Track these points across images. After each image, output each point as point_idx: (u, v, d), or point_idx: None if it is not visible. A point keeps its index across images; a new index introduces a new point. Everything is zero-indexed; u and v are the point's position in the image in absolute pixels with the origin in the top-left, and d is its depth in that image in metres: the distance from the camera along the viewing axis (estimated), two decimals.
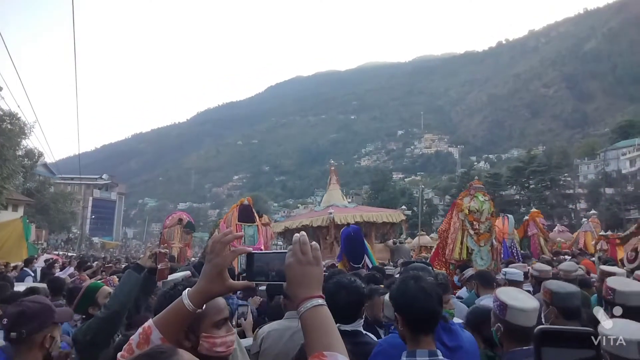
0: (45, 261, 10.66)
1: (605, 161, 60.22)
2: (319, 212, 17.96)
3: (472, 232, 7.01)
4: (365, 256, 7.70)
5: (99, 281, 3.93)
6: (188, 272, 4.40)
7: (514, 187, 61.38)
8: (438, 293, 2.12)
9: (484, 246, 6.97)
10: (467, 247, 7.09)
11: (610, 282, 2.80)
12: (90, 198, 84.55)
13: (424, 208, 77.81)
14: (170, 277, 3.15)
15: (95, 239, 72.23)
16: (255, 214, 8.54)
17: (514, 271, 5.00)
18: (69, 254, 22.55)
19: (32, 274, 9.06)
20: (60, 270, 9.40)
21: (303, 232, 1.28)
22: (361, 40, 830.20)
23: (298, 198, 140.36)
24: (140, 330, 1.28)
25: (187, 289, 1.31)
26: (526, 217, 13.90)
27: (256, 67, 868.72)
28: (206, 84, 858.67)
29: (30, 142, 29.65)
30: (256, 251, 1.33)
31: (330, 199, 18.30)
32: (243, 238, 7.73)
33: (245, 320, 4.04)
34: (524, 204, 58.83)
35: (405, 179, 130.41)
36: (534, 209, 14.72)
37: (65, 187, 61.78)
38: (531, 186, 57.76)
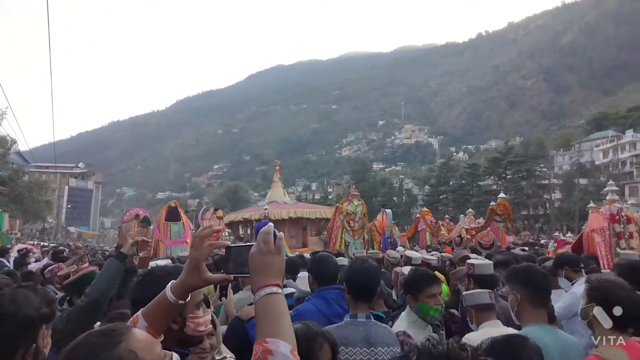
0: (19, 251, 10.44)
1: (580, 152, 61.68)
2: (261, 207, 19.21)
3: (348, 228, 9.36)
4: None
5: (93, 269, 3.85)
6: (169, 261, 4.40)
7: (492, 177, 62.52)
8: (376, 272, 2.85)
9: (357, 239, 9.36)
10: (344, 240, 9.45)
11: (471, 261, 3.86)
12: (66, 187, 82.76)
13: (404, 198, 78.89)
14: (151, 264, 3.15)
15: (72, 229, 70.94)
16: (182, 213, 10.06)
17: (395, 254, 6.38)
18: (42, 244, 22.05)
19: (9, 265, 8.88)
20: (37, 262, 9.22)
21: (270, 223, 1.31)
22: (343, 29, 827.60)
23: None
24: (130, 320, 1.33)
25: (172, 281, 1.35)
26: (470, 212, 16.33)
27: (237, 55, 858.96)
28: (186, 71, 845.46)
29: (2, 129, 28.85)
30: (234, 244, 1.35)
31: (273, 195, 19.41)
32: (169, 233, 9.15)
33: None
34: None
35: (385, 169, 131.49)
36: (424, 209, 16.75)
37: (40, 176, 60.31)
38: (508, 176, 58.90)
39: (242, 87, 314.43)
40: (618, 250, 6.38)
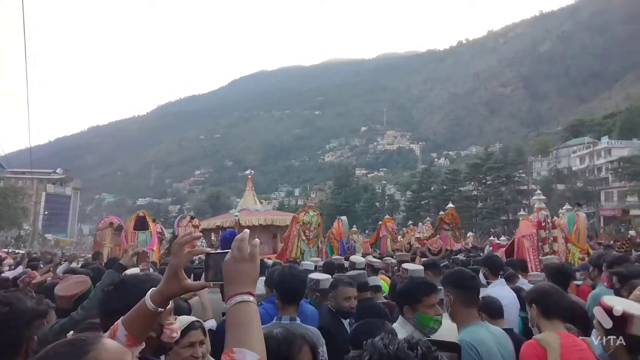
0: None
1: (557, 158, 62.89)
2: (238, 213, 19.65)
3: (304, 238, 9.93)
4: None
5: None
6: (137, 269, 4.31)
7: (472, 183, 63.29)
8: (303, 278, 3.12)
9: (312, 247, 9.96)
10: (300, 249, 10.03)
11: (404, 265, 4.34)
12: (43, 193, 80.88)
13: (386, 203, 79.32)
14: (128, 273, 3.08)
15: (49, 236, 69.30)
16: (150, 222, 10.41)
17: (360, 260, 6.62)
18: (17, 252, 21.47)
19: None
20: (10, 269, 8.97)
21: (246, 230, 1.29)
22: (326, 36, 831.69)
23: (262, 193, 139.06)
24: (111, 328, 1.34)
25: (152, 288, 1.34)
26: (427, 220, 17.15)
27: (219, 61, 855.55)
28: (168, 76, 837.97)
29: None
30: (214, 252, 1.34)
31: (245, 203, 20.04)
32: (136, 242, 9.45)
33: None
34: (481, 200, 60.85)
35: (368, 175, 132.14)
36: (387, 216, 17.26)
37: (16, 182, 58.94)
38: (488, 182, 59.74)
39: (225, 93, 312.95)
40: (548, 256, 6.88)
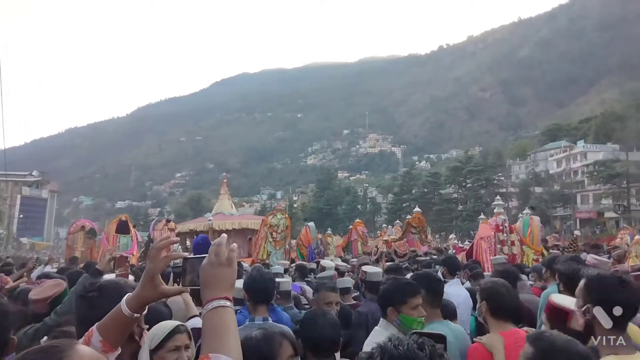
0: None
1: (535, 162, 64.09)
2: (211, 217, 19.74)
3: (271, 239, 10.25)
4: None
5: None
6: (113, 275, 4.23)
7: (453, 185, 64.05)
8: (273, 279, 3.24)
9: (279, 249, 10.24)
10: (267, 250, 10.28)
11: (364, 268, 4.47)
12: (19, 196, 78.90)
13: (368, 206, 79.70)
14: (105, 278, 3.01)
15: (24, 240, 67.59)
16: (132, 227, 10.62)
17: (329, 264, 6.74)
18: None
19: None
20: None
21: (224, 235, 1.28)
22: (308, 39, 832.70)
23: (243, 196, 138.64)
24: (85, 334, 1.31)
25: (128, 294, 1.33)
26: (397, 224, 17.69)
27: (201, 63, 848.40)
28: (148, 78, 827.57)
29: None
30: (192, 256, 1.33)
31: (219, 207, 20.08)
32: (118, 245, 9.60)
33: None
34: (461, 202, 61.60)
35: (350, 178, 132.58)
36: (357, 220, 17.41)
37: None
38: (468, 185, 60.51)
39: (207, 95, 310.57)
40: (496, 256, 7.34)
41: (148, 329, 1.95)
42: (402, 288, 2.70)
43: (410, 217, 14.96)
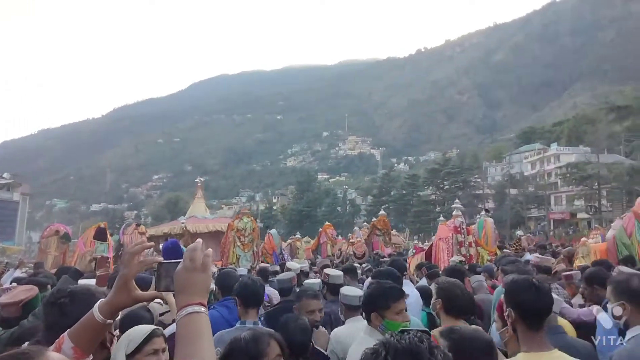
0: None
1: (510, 164, 65.18)
2: (184, 220, 19.76)
3: (239, 243, 10.54)
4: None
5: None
6: (93, 281, 4.16)
7: (430, 187, 64.80)
8: (263, 285, 3.33)
9: (247, 252, 10.56)
10: (235, 254, 10.61)
11: (326, 270, 4.72)
12: None
13: (347, 208, 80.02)
14: (80, 282, 2.97)
15: None
16: (109, 236, 10.78)
17: (295, 265, 6.83)
18: None
19: None
20: None
21: (199, 240, 1.27)
22: (287, 41, 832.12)
23: (222, 199, 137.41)
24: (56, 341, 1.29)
25: (100, 300, 1.31)
26: (364, 226, 18.02)
27: (179, 64, 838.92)
28: (124, 78, 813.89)
29: None
30: (166, 261, 1.32)
31: (194, 210, 20.17)
32: (95, 252, 9.52)
33: None
34: (439, 204, 62.35)
35: (329, 180, 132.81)
36: (327, 223, 17.84)
37: None
38: (445, 187, 61.31)
39: (184, 96, 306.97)
40: (452, 258, 7.72)
41: (119, 336, 1.98)
42: (385, 293, 2.63)
43: (375, 219, 15.45)
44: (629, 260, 6.48)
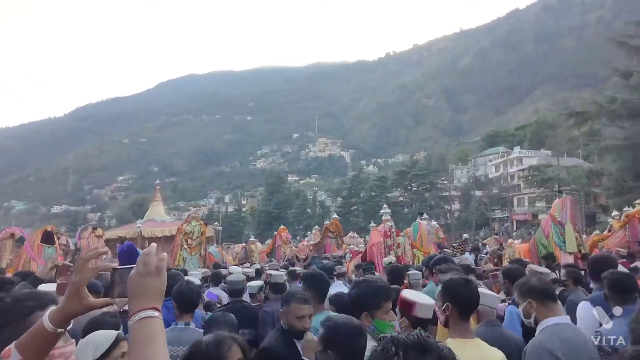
0: None
1: (475, 166, 66.79)
2: (140, 224, 19.54)
3: (186, 246, 10.85)
4: None
5: None
6: (54, 285, 4.04)
7: (399, 189, 65.75)
8: (198, 290, 3.70)
9: (194, 255, 10.89)
10: (182, 257, 10.97)
11: (268, 271, 5.21)
12: None
13: (317, 209, 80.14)
14: (40, 288, 2.86)
15: None
16: (56, 239, 10.70)
17: (237, 270, 7.14)
18: None
19: None
20: None
21: (154, 244, 1.26)
22: (257, 42, 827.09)
23: (190, 200, 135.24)
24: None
25: (51, 308, 1.26)
26: (317, 229, 18.41)
27: (146, 63, 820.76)
28: (88, 77, 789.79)
29: None
30: (120, 267, 1.28)
31: (151, 214, 19.98)
32: (43, 254, 9.64)
33: None
34: (407, 205, 63.33)
35: (300, 182, 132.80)
36: (281, 226, 17.92)
37: None
38: (413, 189, 62.35)
39: (152, 95, 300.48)
40: (385, 259, 8.37)
41: None
42: (377, 292, 2.59)
43: (328, 222, 15.97)
44: (549, 258, 7.17)
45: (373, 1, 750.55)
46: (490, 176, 66.16)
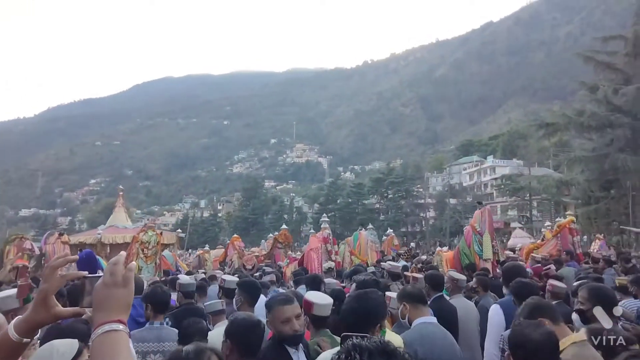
0: None
1: (450, 175, 68.01)
2: (101, 231, 19.31)
3: (142, 255, 10.93)
4: (100, 271, 10.23)
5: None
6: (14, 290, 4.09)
7: (375, 196, 66.34)
8: (169, 292, 4.14)
9: (150, 264, 10.95)
10: (138, 266, 10.69)
11: (222, 276, 5.43)
12: None
13: (294, 216, 80.00)
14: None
15: None
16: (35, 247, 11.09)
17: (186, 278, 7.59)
18: None
19: None
20: None
21: (122, 252, 1.22)
22: (236, 46, 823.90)
23: (164, 205, 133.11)
24: None
25: (17, 317, 1.23)
26: (270, 238, 18.44)
27: (121, 64, 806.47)
28: (60, 77, 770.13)
29: None
30: (91, 275, 1.24)
31: (114, 220, 19.71)
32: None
33: None
34: (383, 212, 63.96)
35: (277, 187, 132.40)
36: (235, 235, 17.86)
37: None
38: (389, 196, 63.00)
39: (126, 97, 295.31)
40: (325, 264, 8.97)
41: None
42: (382, 304, 2.75)
43: (277, 233, 16.45)
44: (470, 267, 7.81)
45: (352, 10, 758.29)
46: (464, 184, 67.41)
